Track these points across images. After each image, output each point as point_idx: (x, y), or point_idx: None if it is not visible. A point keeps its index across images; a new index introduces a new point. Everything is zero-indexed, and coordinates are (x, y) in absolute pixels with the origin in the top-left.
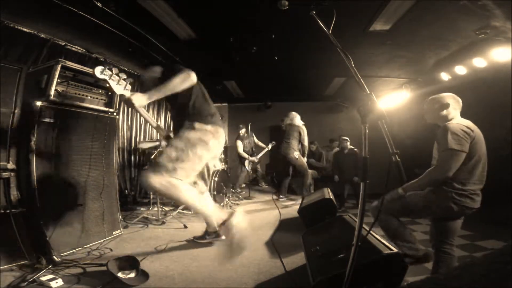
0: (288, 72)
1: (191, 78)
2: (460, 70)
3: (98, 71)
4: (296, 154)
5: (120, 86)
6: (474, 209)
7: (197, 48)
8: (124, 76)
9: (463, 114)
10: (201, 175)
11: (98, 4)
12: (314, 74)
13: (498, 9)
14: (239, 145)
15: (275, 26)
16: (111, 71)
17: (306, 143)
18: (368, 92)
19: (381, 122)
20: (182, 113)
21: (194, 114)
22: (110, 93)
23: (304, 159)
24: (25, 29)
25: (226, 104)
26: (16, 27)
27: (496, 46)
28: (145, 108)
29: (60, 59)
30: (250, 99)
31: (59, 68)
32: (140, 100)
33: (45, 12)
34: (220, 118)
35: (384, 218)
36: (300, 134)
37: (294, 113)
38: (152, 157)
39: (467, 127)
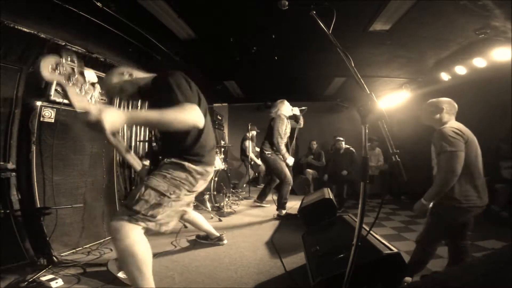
0: (288, 72)
1: (198, 123)
2: (460, 70)
3: (46, 65)
4: (269, 153)
5: (82, 97)
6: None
7: (197, 48)
8: (92, 78)
9: (464, 114)
10: None
11: (98, 4)
12: (314, 74)
13: (498, 9)
14: (249, 145)
15: (275, 26)
16: (72, 66)
17: (274, 138)
18: (368, 92)
19: (381, 122)
20: (171, 146)
21: (188, 152)
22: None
23: (289, 160)
24: (25, 29)
25: (226, 104)
26: (16, 27)
27: (496, 46)
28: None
29: None
30: (250, 99)
31: None
32: (113, 121)
33: (45, 12)
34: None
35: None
36: (270, 127)
37: (278, 101)
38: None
39: (458, 129)
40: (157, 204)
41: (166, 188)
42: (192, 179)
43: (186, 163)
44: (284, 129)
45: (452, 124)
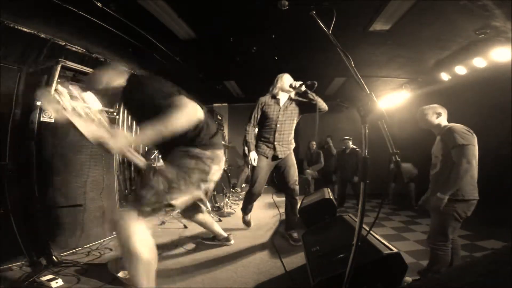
0: (288, 72)
1: (197, 115)
2: (460, 70)
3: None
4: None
5: (89, 123)
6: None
7: (197, 48)
8: (92, 102)
9: (464, 114)
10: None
11: (98, 4)
12: (314, 74)
13: (498, 9)
14: None
15: (275, 26)
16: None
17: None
18: (368, 92)
19: (381, 122)
20: (176, 137)
21: (191, 138)
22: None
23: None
24: (25, 29)
25: (226, 104)
26: (16, 27)
27: (496, 46)
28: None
29: (60, 59)
30: (250, 99)
31: (59, 68)
32: (119, 147)
33: (45, 12)
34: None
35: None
36: None
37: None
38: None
39: (467, 129)
40: (165, 192)
41: (175, 176)
42: (203, 165)
43: (192, 149)
44: (258, 114)
45: (456, 125)
